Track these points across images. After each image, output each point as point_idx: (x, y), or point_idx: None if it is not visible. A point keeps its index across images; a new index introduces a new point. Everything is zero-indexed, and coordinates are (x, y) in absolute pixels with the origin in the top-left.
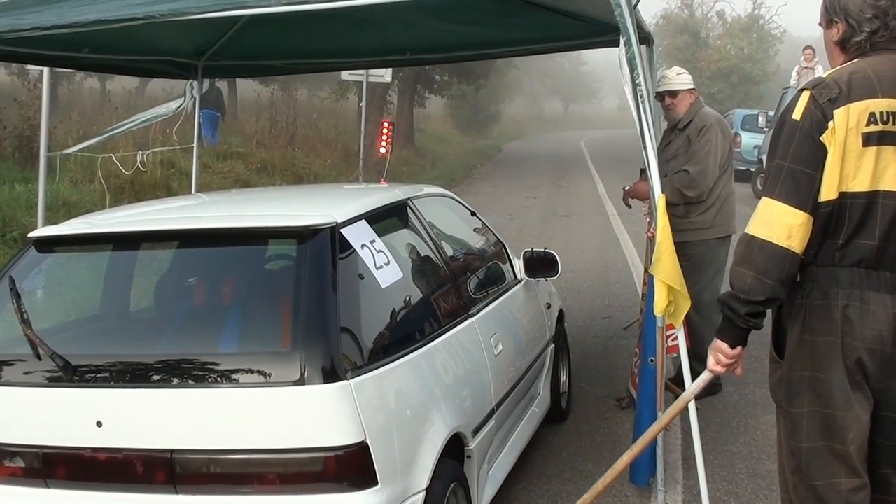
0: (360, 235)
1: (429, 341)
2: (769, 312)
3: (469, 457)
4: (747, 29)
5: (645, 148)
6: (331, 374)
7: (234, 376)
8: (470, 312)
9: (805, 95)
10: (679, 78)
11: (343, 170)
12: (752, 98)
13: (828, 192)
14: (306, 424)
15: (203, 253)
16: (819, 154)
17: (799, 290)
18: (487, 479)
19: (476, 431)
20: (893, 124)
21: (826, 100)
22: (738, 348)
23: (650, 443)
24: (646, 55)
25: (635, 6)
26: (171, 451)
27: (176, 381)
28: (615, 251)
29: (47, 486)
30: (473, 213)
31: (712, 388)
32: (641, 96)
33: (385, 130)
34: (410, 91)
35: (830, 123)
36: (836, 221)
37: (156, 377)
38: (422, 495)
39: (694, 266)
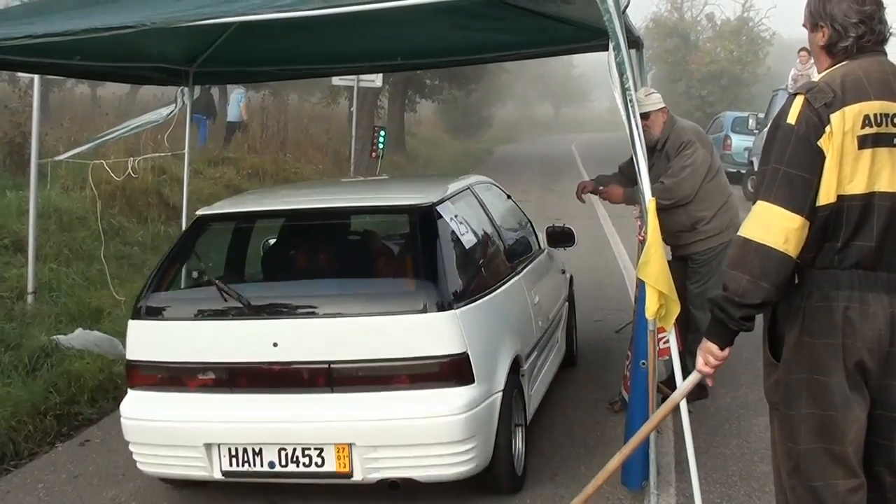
0: (447, 211)
1: (497, 288)
2: (761, 315)
3: (523, 375)
4: (737, 31)
5: (635, 151)
6: (443, 306)
7: (376, 308)
8: (517, 270)
9: (799, 100)
10: (649, 99)
11: (334, 175)
12: (743, 100)
13: (826, 196)
14: (427, 340)
15: (347, 223)
16: (817, 158)
17: (797, 293)
18: (531, 396)
19: (527, 357)
20: (887, 126)
21: (822, 104)
22: (727, 350)
23: (640, 444)
24: (635, 59)
25: (624, 11)
26: (330, 363)
27: (334, 312)
28: (606, 254)
29: (232, 392)
30: (509, 197)
31: (700, 393)
32: (631, 101)
33: (375, 135)
34: (401, 96)
35: (828, 128)
36: (834, 224)
37: (319, 310)
38: (500, 394)
39: (707, 269)
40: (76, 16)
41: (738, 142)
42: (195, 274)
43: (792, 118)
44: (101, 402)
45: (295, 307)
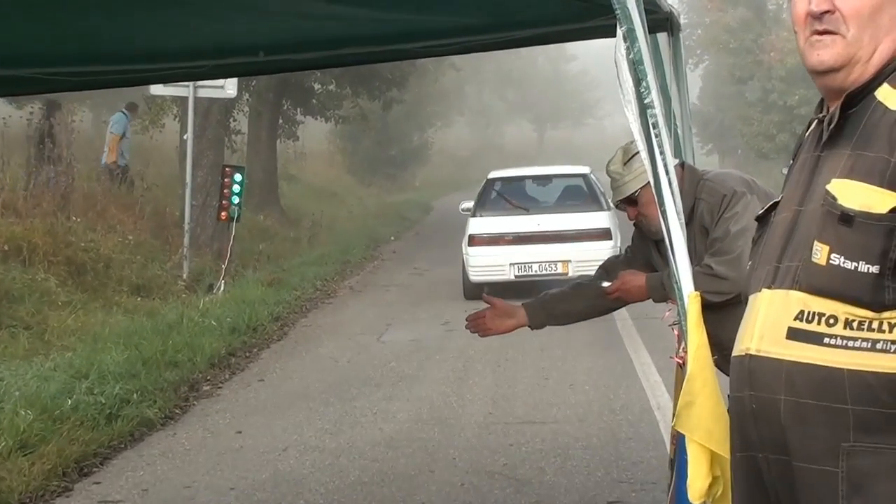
0: (593, 175)
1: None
2: None
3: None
4: None
5: (663, 211)
6: (600, 209)
7: (576, 210)
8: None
9: None
10: (633, 168)
11: (156, 251)
12: None
13: None
14: (597, 221)
15: (555, 179)
16: None
17: None
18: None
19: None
20: None
21: None
22: None
23: None
24: (666, 50)
25: None
26: (562, 230)
27: (561, 210)
28: (627, 383)
29: (520, 244)
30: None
31: None
32: (654, 125)
33: (226, 181)
34: (271, 111)
35: None
36: None
37: (555, 209)
38: (619, 247)
39: None
40: None
41: None
42: (496, 196)
43: None
44: None
45: (544, 208)
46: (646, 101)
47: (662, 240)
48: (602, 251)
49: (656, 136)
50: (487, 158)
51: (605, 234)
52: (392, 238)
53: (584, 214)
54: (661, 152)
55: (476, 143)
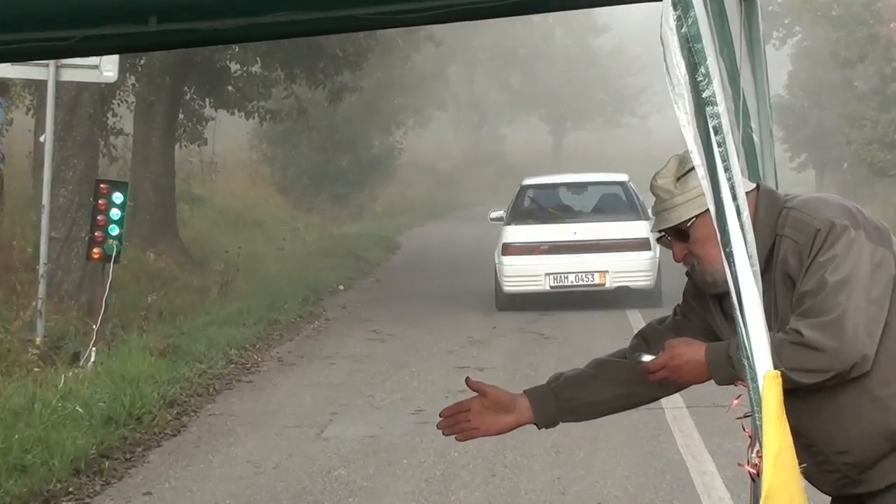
0: (631, 183)
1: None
2: None
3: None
4: None
5: (728, 252)
6: (640, 218)
7: (614, 218)
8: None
9: None
10: (688, 186)
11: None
12: None
13: None
14: (635, 231)
15: (591, 186)
16: None
17: None
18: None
19: None
20: None
21: None
22: None
23: None
24: (736, 20)
25: None
26: (597, 240)
27: (597, 219)
28: (681, 501)
29: (555, 254)
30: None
31: None
32: (717, 128)
33: (101, 203)
34: (168, 103)
35: None
36: None
37: (590, 218)
38: (657, 258)
39: None
40: None
41: None
42: (531, 204)
43: None
44: None
45: (580, 217)
46: (704, 95)
47: (727, 294)
48: (641, 261)
49: (719, 144)
50: (480, 172)
51: (644, 245)
52: (341, 287)
53: (622, 223)
54: (727, 168)
55: (464, 150)
